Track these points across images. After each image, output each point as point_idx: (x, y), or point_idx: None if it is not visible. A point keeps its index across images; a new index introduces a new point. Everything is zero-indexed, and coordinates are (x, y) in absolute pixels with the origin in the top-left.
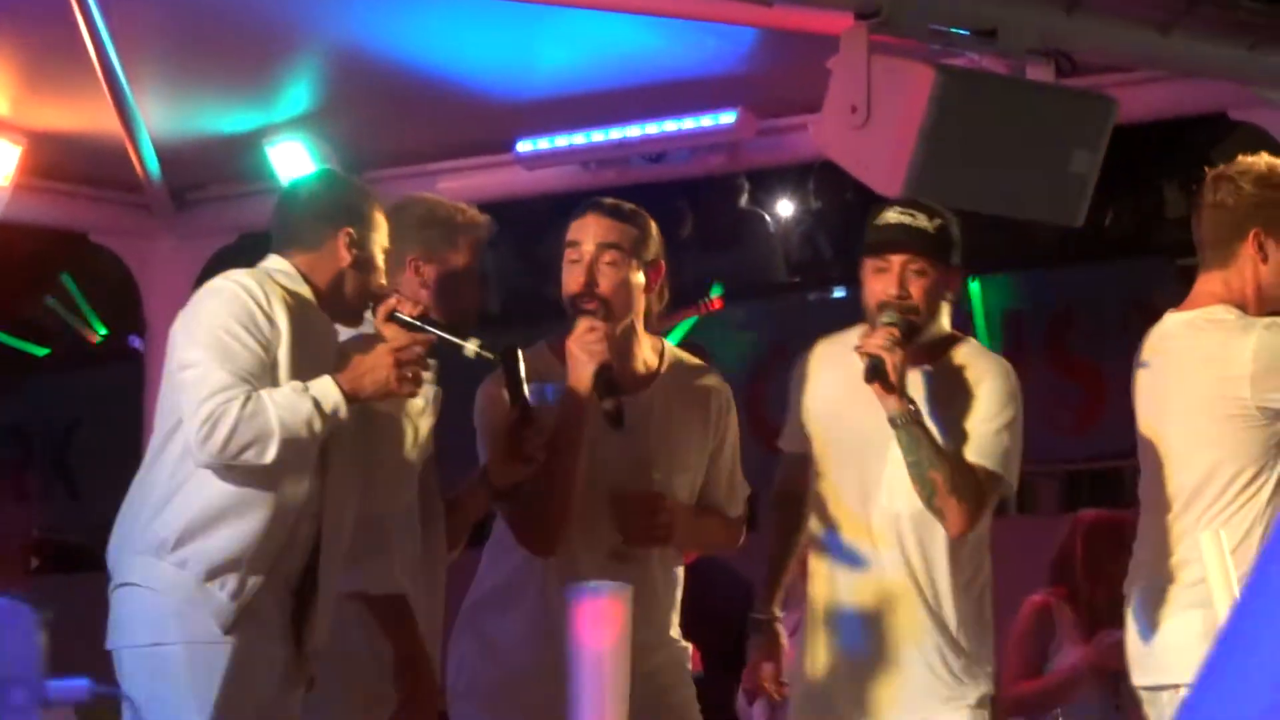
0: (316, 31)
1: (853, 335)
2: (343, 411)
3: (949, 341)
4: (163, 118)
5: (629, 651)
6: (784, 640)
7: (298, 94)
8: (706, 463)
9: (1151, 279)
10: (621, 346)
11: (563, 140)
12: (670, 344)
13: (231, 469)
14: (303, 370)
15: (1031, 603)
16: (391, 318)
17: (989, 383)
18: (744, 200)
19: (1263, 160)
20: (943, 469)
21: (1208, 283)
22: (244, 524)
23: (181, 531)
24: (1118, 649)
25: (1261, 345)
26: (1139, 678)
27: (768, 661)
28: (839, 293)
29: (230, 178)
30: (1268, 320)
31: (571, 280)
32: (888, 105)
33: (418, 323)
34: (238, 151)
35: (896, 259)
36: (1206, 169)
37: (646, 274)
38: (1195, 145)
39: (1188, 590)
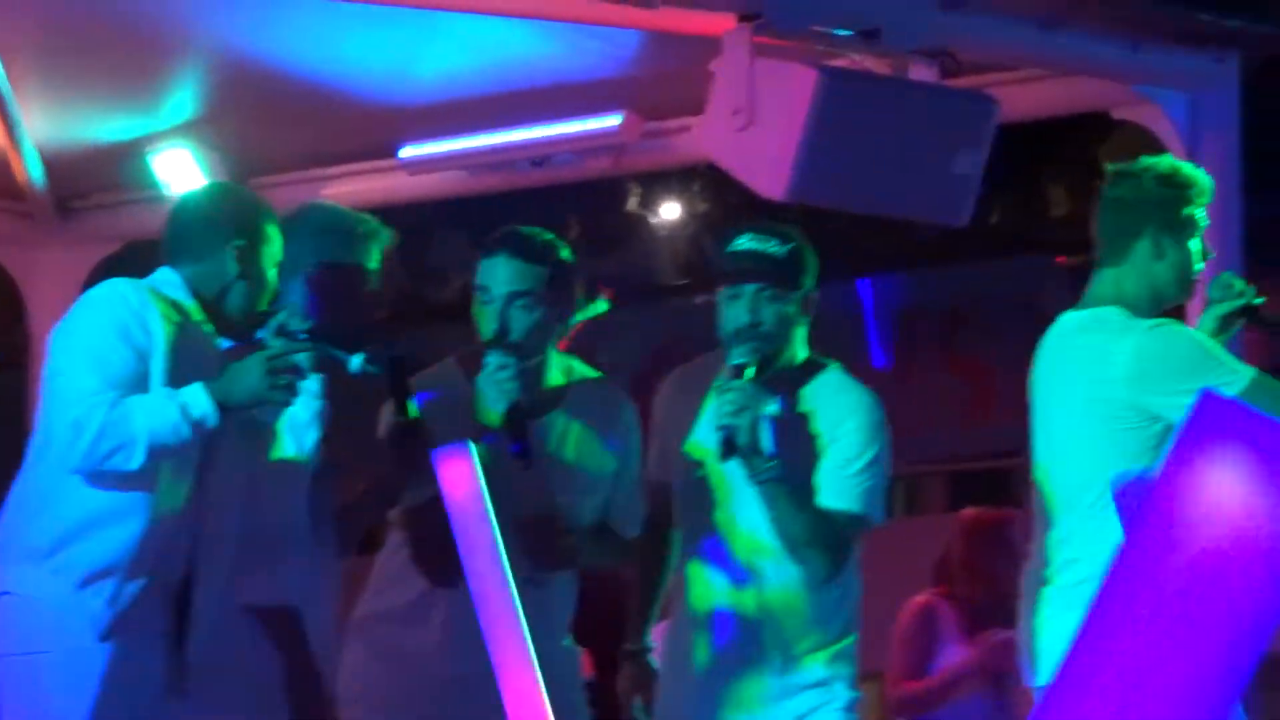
0: (201, 38)
1: (712, 361)
2: (211, 419)
3: (809, 369)
4: (46, 125)
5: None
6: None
7: (182, 101)
8: (612, 481)
9: (1037, 277)
10: (532, 378)
11: (447, 145)
12: (576, 364)
13: (103, 475)
14: (176, 382)
15: (914, 603)
16: (279, 331)
17: (852, 421)
18: (630, 203)
19: (1165, 160)
20: (801, 523)
21: (1101, 281)
22: (119, 530)
23: (57, 538)
24: (1004, 649)
25: (1139, 348)
26: (1030, 678)
27: (637, 693)
28: None
29: (115, 185)
30: (1151, 322)
31: (483, 327)
32: (771, 107)
33: (304, 336)
34: (122, 159)
35: (748, 287)
36: (1097, 166)
37: (560, 304)
38: (1079, 144)
39: (1073, 590)
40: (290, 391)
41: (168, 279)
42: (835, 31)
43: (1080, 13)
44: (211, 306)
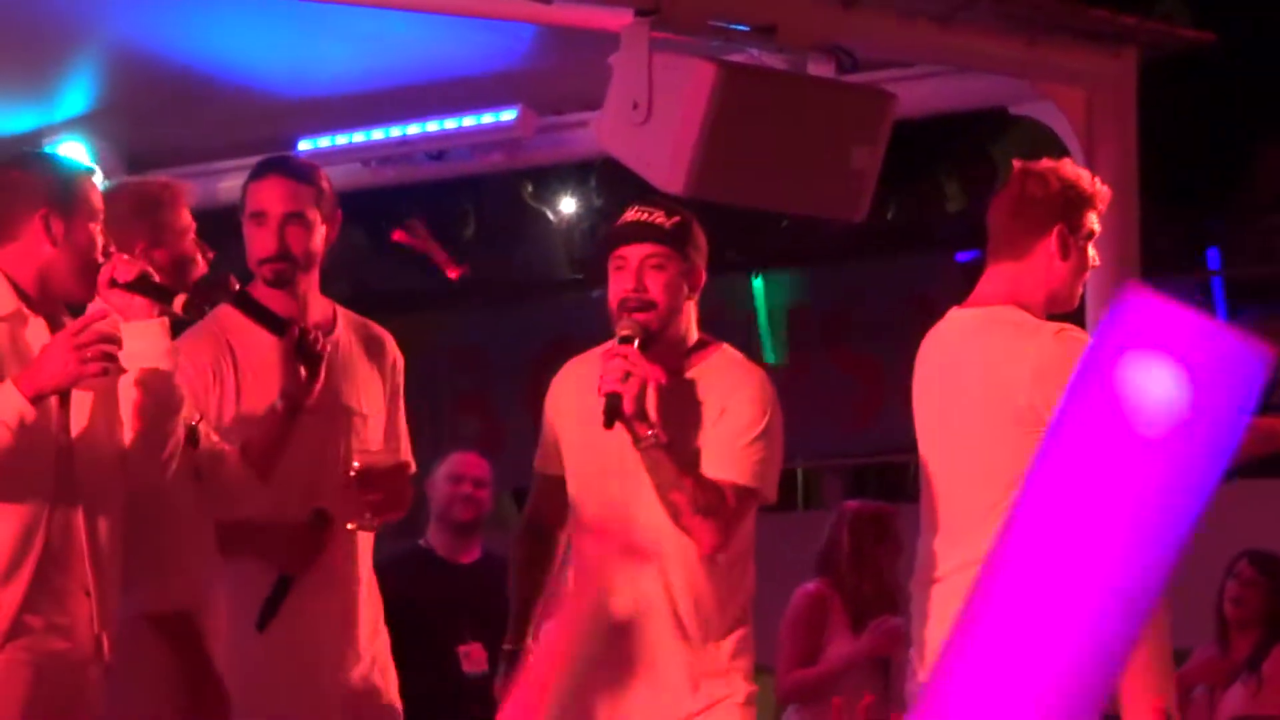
0: (96, 30)
1: (601, 353)
2: (29, 415)
3: (699, 347)
4: None
5: None
6: None
7: (77, 94)
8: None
9: (931, 273)
10: (304, 301)
11: (343, 139)
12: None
13: None
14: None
15: (804, 592)
16: (111, 284)
17: (741, 394)
18: (527, 198)
19: (1069, 164)
20: (685, 489)
21: (995, 279)
22: None
23: None
24: (892, 634)
25: (1044, 352)
26: (923, 673)
27: None
28: None
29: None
30: (1056, 326)
31: (261, 247)
32: (669, 102)
33: (138, 285)
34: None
35: (632, 253)
36: (994, 162)
37: (327, 227)
38: (976, 140)
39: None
40: (108, 360)
41: None
42: (733, 26)
43: (976, 8)
44: (32, 289)
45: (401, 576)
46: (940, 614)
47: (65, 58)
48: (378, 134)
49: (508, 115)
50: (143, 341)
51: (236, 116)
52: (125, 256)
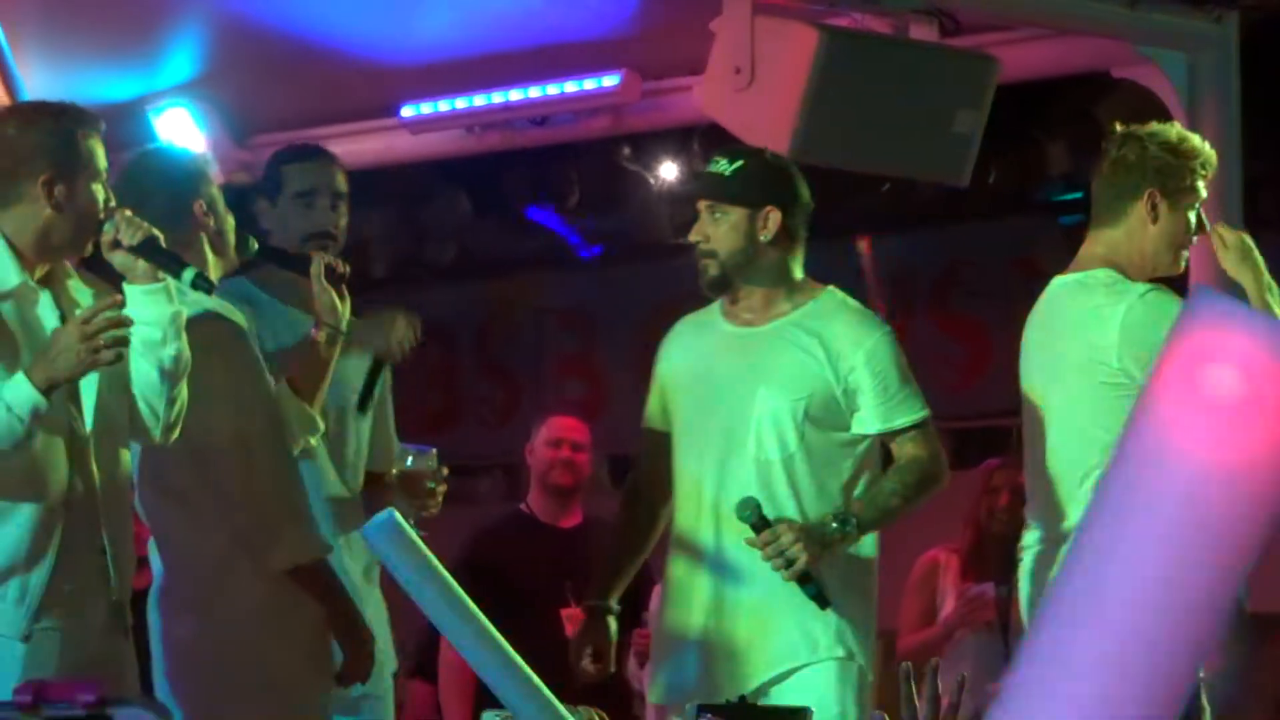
0: None
1: (714, 311)
2: (43, 406)
3: (803, 288)
4: (45, 85)
5: None
6: (613, 631)
7: (182, 60)
8: None
9: (1034, 236)
10: None
11: (446, 104)
12: None
13: None
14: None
15: (923, 557)
16: (115, 246)
17: (869, 337)
18: (624, 161)
19: (1174, 127)
20: (904, 496)
21: (1094, 243)
22: (6, 529)
23: None
24: (976, 602)
25: (1131, 313)
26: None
27: (586, 645)
28: None
29: (114, 145)
30: (1144, 287)
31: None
32: (772, 66)
33: (141, 249)
34: (122, 119)
35: (700, 207)
36: (1098, 126)
37: None
38: (1079, 103)
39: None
40: (120, 345)
41: None
42: None
43: None
44: (31, 253)
45: (502, 541)
46: (1046, 577)
47: (170, 25)
48: (480, 99)
49: (611, 80)
50: (145, 308)
51: (339, 82)
52: (128, 214)
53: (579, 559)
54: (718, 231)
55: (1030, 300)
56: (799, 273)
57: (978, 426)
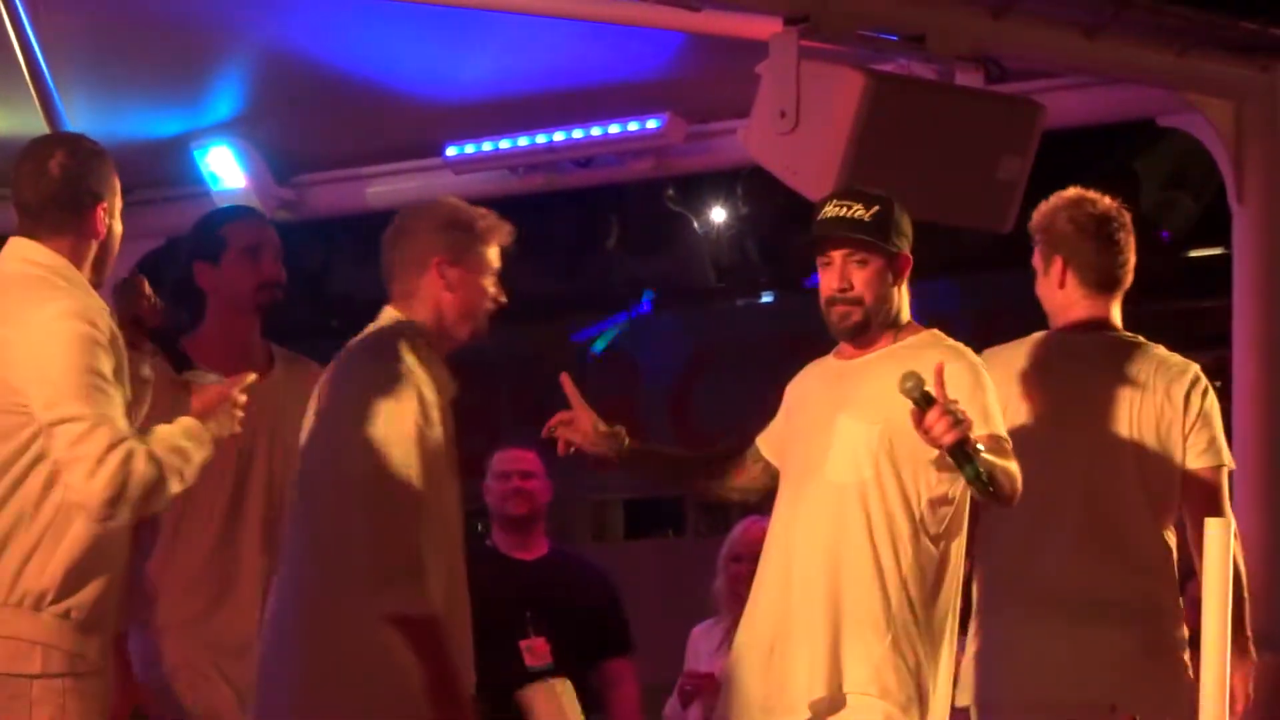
0: (245, 36)
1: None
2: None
3: (908, 327)
4: (90, 121)
5: None
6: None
7: (226, 98)
8: None
9: None
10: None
11: (490, 145)
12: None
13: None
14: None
15: None
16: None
17: (966, 380)
18: (669, 203)
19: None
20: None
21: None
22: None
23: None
24: None
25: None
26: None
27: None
28: (766, 298)
29: (158, 182)
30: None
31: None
32: (817, 110)
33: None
34: (165, 155)
35: (836, 254)
36: (1136, 177)
37: None
38: (1119, 154)
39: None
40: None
41: (46, 260)
42: (882, 35)
43: (1125, 19)
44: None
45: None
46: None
47: (215, 63)
48: (525, 140)
49: (655, 123)
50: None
51: (384, 122)
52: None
53: (540, 590)
54: (862, 277)
55: None
56: (906, 314)
57: None
